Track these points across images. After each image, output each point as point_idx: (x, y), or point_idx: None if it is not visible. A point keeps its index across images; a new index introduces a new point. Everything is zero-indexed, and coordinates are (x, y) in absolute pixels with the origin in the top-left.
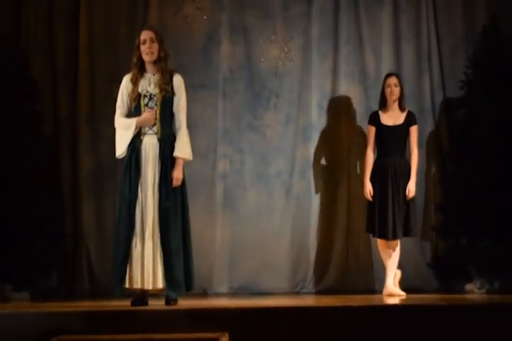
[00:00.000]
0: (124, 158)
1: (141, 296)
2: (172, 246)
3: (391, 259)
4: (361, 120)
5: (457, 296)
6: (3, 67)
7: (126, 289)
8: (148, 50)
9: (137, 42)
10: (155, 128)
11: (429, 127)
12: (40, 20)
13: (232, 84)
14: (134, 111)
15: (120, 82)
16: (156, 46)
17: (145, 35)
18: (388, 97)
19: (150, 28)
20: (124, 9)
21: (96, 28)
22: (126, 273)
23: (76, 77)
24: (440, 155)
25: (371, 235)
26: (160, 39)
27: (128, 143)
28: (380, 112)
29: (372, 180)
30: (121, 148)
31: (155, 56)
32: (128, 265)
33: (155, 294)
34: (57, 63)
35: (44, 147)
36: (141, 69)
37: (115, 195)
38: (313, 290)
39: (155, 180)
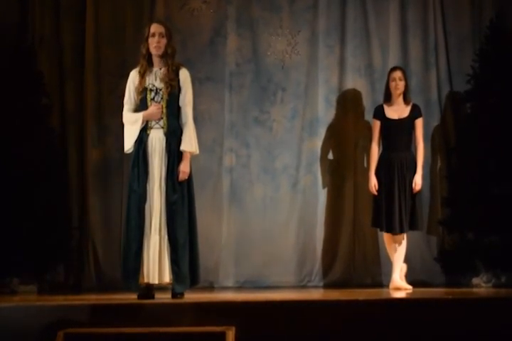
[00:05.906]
0: (131, 152)
1: (148, 290)
2: (179, 240)
3: (397, 253)
4: (368, 114)
5: (464, 290)
6: (10, 61)
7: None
8: (156, 44)
9: (146, 34)
10: (161, 122)
11: (436, 121)
12: (47, 14)
13: (239, 77)
14: (140, 106)
15: (127, 76)
16: (164, 41)
17: (155, 28)
18: (393, 91)
19: (161, 22)
20: (130, 3)
21: (102, 22)
22: (140, 268)
23: (83, 71)
24: (446, 149)
25: (378, 229)
26: (169, 34)
27: (135, 137)
28: (384, 106)
29: (378, 174)
30: (129, 143)
31: (162, 50)
32: (141, 259)
33: (162, 287)
34: (64, 57)
35: (51, 141)
36: (148, 63)
37: (122, 188)
38: (320, 284)
39: (161, 174)
